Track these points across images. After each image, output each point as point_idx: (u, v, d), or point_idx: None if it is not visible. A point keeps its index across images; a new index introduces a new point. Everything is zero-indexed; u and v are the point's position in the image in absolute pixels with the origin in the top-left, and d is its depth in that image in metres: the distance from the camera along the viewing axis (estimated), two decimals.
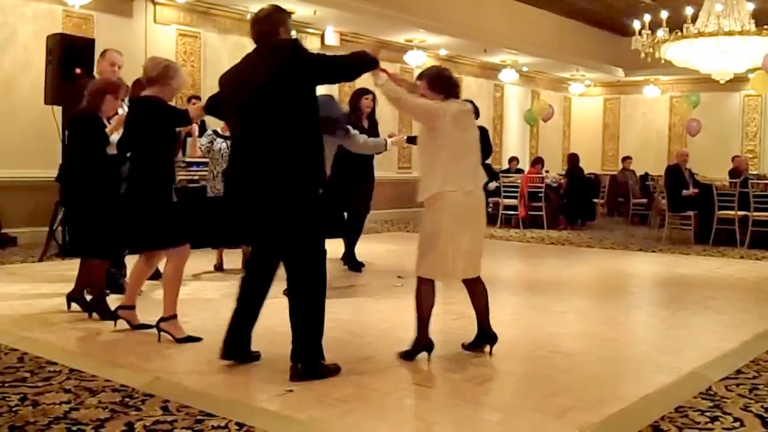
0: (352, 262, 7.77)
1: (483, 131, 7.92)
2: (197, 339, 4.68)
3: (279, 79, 3.87)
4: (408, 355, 4.31)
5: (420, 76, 4.55)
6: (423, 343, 4.34)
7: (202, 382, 3.92)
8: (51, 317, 5.41)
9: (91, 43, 8.44)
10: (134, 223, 4.77)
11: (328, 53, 4.31)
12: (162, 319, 4.68)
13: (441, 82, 4.43)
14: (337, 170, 6.12)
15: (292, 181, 3.87)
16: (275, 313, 5.14)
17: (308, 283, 3.98)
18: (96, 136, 5.25)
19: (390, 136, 6.98)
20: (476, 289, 4.49)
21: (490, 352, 4.49)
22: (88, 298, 5.49)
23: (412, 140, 8.05)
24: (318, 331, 3.98)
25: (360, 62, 4.17)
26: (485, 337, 4.52)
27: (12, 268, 7.57)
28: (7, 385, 3.75)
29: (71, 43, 8.09)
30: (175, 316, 4.69)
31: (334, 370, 3.99)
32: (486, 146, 7.80)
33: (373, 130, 7.81)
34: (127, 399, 3.55)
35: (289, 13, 4.22)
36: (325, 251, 4.07)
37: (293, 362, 3.94)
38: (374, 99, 7.76)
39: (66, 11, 9.82)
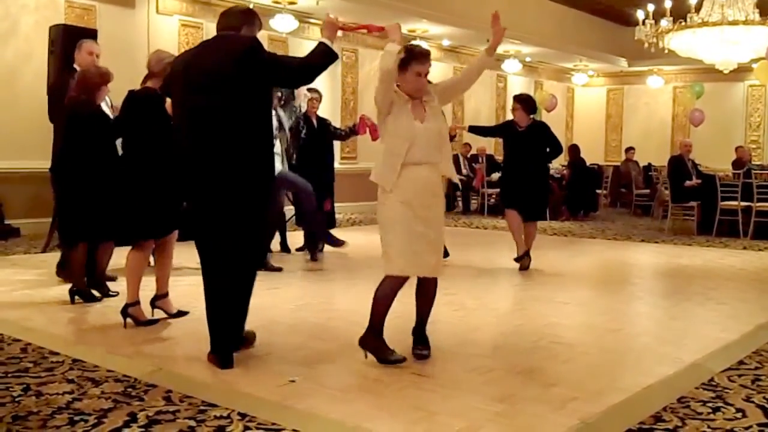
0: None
1: (546, 127, 7.93)
2: (185, 313, 5.07)
3: (234, 75, 3.85)
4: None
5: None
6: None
7: (205, 372, 3.93)
8: (54, 308, 5.43)
9: (93, 33, 8.39)
10: (132, 212, 4.87)
11: (285, 55, 4.22)
12: (156, 297, 5.05)
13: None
14: None
15: (238, 175, 3.88)
16: (274, 304, 5.15)
17: (245, 273, 4.05)
18: (108, 127, 5.47)
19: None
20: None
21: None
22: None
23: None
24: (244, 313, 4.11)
25: (318, 64, 3.93)
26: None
27: (15, 259, 7.59)
28: (10, 375, 3.76)
29: (73, 33, 8.04)
30: (167, 294, 5.07)
31: (251, 340, 4.23)
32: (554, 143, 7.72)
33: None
34: (129, 389, 3.57)
35: (259, 18, 4.23)
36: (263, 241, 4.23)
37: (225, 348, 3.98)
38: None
39: (68, 2, 9.81)
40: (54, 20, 9.06)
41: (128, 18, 10.58)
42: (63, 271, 6.23)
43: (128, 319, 4.84)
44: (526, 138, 7.48)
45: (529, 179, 7.47)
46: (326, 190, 7.99)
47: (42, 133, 9.07)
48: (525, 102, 7.58)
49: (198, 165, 3.95)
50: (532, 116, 7.61)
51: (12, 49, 9.41)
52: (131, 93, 4.96)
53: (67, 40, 7.85)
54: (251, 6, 11.84)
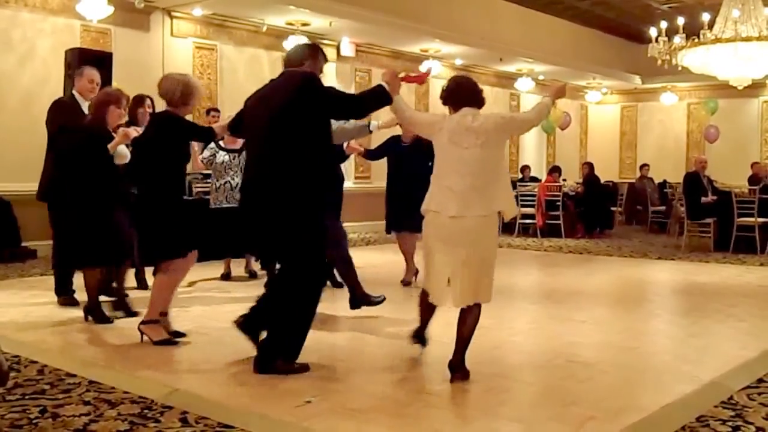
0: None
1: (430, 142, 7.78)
2: (182, 334, 5.05)
3: (290, 108, 4.10)
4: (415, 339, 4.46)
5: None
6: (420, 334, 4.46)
7: (221, 393, 3.92)
8: (71, 329, 5.44)
9: (108, 57, 8.54)
10: (148, 234, 4.91)
11: (340, 89, 4.40)
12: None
13: (450, 94, 4.36)
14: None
15: (290, 203, 4.08)
16: None
17: (298, 287, 4.16)
18: (102, 149, 5.44)
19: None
20: (467, 315, 4.17)
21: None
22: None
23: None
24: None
25: (370, 103, 4.31)
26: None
27: (31, 281, 7.63)
28: (27, 397, 3.77)
29: (89, 57, 8.16)
30: (166, 313, 5.03)
31: (299, 369, 4.17)
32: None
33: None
34: (146, 411, 3.56)
35: (323, 53, 4.45)
36: (321, 263, 4.27)
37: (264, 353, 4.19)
38: None
39: (84, 26, 9.92)
40: (70, 44, 9.17)
41: (143, 41, 10.68)
42: (61, 296, 6.29)
43: (144, 337, 4.90)
44: (411, 153, 7.29)
45: (413, 193, 7.34)
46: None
47: None
48: None
49: (259, 190, 4.18)
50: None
51: (29, 72, 9.51)
52: (153, 116, 5.20)
53: (82, 63, 7.95)
54: (265, 28, 11.98)
